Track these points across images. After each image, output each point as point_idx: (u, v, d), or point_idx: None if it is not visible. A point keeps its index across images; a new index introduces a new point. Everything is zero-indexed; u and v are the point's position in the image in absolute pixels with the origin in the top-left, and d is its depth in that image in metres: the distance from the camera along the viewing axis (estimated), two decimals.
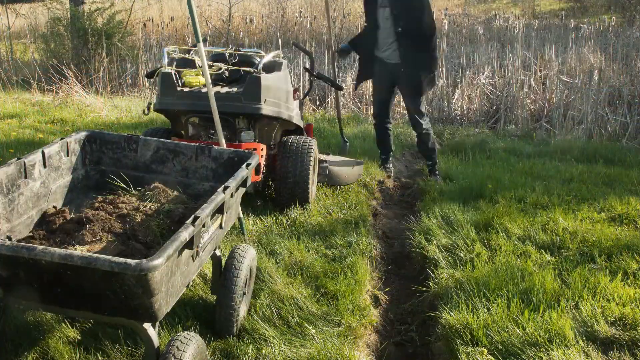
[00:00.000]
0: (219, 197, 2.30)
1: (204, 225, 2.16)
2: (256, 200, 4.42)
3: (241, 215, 3.83)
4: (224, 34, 11.05)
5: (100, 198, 2.69)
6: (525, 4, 17.91)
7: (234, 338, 2.70)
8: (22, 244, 1.86)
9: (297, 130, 4.72)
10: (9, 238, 2.38)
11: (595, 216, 4.32)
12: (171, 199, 2.71)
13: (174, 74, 4.07)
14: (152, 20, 12.63)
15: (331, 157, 5.20)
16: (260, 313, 2.91)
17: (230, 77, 4.36)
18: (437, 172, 5.41)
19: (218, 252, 2.79)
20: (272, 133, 4.42)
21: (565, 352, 2.62)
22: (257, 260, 3.16)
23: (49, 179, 2.71)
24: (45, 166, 2.68)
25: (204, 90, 4.06)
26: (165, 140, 3.07)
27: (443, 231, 4.02)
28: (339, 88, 5.18)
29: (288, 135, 4.52)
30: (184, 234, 1.94)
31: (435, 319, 3.08)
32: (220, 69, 4.27)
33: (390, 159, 5.71)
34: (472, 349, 2.66)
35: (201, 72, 4.24)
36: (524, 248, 3.75)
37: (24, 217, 2.52)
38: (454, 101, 8.56)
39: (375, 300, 3.43)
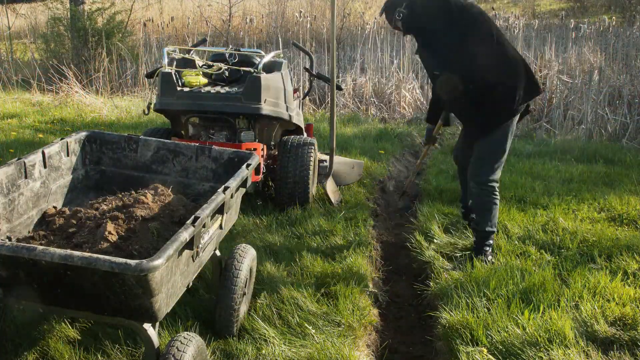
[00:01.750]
0: (219, 198, 2.30)
1: (204, 226, 2.16)
2: (256, 200, 4.42)
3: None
4: (224, 34, 11.04)
5: (100, 199, 2.69)
6: (526, 3, 17.91)
7: (234, 338, 2.70)
8: (22, 244, 1.86)
9: (297, 130, 4.72)
10: (9, 238, 2.38)
11: (595, 216, 4.32)
12: (172, 199, 2.71)
13: (174, 74, 4.08)
14: (152, 20, 12.64)
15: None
16: (260, 313, 2.91)
17: (231, 77, 4.36)
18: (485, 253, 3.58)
19: (218, 253, 2.79)
20: (272, 133, 4.42)
21: (565, 352, 2.62)
22: (257, 260, 3.16)
23: (49, 179, 2.71)
24: (45, 166, 2.68)
25: (204, 90, 4.06)
26: (166, 140, 3.07)
27: (443, 231, 4.02)
28: (339, 88, 5.17)
29: (288, 135, 4.53)
30: (184, 235, 1.94)
31: (435, 319, 3.08)
32: (220, 69, 4.28)
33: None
34: (472, 349, 2.66)
35: (201, 72, 4.25)
36: (524, 248, 3.75)
37: (24, 217, 2.52)
38: None
39: (376, 300, 3.43)
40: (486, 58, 3.31)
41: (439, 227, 4.08)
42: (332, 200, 4.52)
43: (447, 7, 3.28)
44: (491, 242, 3.61)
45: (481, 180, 3.47)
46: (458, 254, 3.70)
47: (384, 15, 3.52)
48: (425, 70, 3.88)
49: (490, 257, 3.56)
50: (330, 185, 4.68)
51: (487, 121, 3.43)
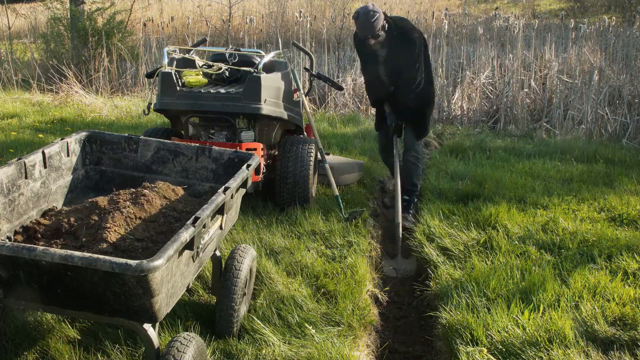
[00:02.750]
0: (219, 198, 2.30)
1: (204, 226, 2.16)
2: (256, 200, 4.42)
3: (337, 193, 4.37)
4: (224, 34, 11.04)
5: (101, 198, 2.69)
6: (526, 3, 17.91)
7: (234, 338, 2.70)
8: (22, 244, 1.86)
9: (297, 130, 4.72)
10: (9, 238, 2.39)
11: (595, 216, 4.32)
12: (175, 198, 2.71)
13: (174, 74, 4.08)
14: (152, 20, 12.64)
15: (331, 157, 5.20)
16: (260, 313, 2.91)
17: (231, 77, 4.36)
18: (411, 211, 4.61)
19: (218, 253, 2.79)
20: (272, 133, 4.42)
21: (565, 352, 2.62)
22: (257, 260, 3.16)
23: (49, 179, 2.71)
24: (45, 166, 2.68)
25: (204, 90, 4.06)
26: (166, 140, 3.07)
27: (443, 231, 4.02)
28: (339, 88, 5.17)
29: (288, 135, 4.52)
30: (185, 235, 1.94)
31: (435, 319, 3.08)
32: (220, 69, 4.28)
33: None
34: (472, 349, 2.66)
35: (201, 72, 4.25)
36: (524, 248, 3.75)
37: (24, 217, 2.52)
38: (454, 101, 8.56)
39: (376, 300, 3.44)
40: (427, 78, 4.45)
41: (439, 226, 4.07)
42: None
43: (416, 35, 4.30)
44: (415, 199, 4.77)
45: (417, 155, 4.68)
46: (458, 254, 3.70)
47: (366, 20, 4.08)
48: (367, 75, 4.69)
49: (411, 216, 4.60)
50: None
51: (422, 117, 4.58)
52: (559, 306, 3.00)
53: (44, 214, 2.63)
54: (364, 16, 4.05)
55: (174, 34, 12.21)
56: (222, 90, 4.07)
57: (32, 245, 1.85)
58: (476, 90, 8.57)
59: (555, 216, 4.23)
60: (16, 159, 2.53)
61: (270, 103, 4.07)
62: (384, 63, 4.39)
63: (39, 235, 2.38)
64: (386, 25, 4.17)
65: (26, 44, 12.70)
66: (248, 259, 2.82)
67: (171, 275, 1.97)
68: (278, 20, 12.76)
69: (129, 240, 2.26)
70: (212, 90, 4.05)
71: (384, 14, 4.15)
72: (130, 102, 8.44)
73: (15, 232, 2.43)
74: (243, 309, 2.86)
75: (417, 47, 4.25)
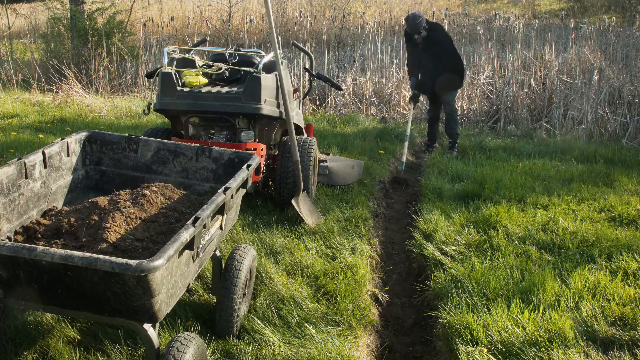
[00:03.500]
0: (219, 198, 2.30)
1: (204, 226, 2.16)
2: (256, 200, 4.42)
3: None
4: (224, 34, 11.04)
5: (102, 197, 2.69)
6: (525, 3, 17.91)
7: (234, 338, 2.70)
8: (22, 244, 1.86)
9: (297, 130, 4.72)
10: (9, 238, 2.39)
11: (595, 216, 4.33)
12: (176, 198, 2.71)
13: (174, 74, 4.07)
14: (152, 20, 12.65)
15: (331, 157, 5.20)
16: (260, 313, 2.91)
17: (231, 77, 4.36)
18: (455, 149, 6.52)
19: (218, 253, 2.79)
20: (272, 133, 4.42)
21: (565, 352, 2.62)
22: (257, 260, 3.16)
23: (49, 179, 2.71)
24: (45, 166, 2.68)
25: (204, 90, 4.06)
26: (166, 140, 3.07)
27: (443, 231, 4.02)
28: (339, 88, 5.17)
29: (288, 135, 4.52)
30: (185, 235, 1.94)
31: (435, 319, 3.08)
32: (220, 69, 4.28)
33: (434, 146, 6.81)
34: (472, 349, 2.66)
35: (201, 72, 4.25)
36: (524, 248, 3.75)
37: (24, 217, 2.52)
38: None
39: (376, 300, 3.43)
40: (457, 60, 6.34)
41: (439, 226, 4.07)
42: (309, 222, 4.03)
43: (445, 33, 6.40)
44: (457, 141, 6.55)
45: (452, 109, 6.41)
46: (458, 254, 3.70)
47: (414, 22, 5.92)
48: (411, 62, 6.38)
49: (456, 152, 6.43)
50: (305, 204, 4.19)
51: (452, 86, 6.34)
52: (559, 306, 3.00)
53: (44, 214, 2.63)
54: (412, 19, 5.92)
55: (174, 34, 12.22)
56: (222, 90, 4.07)
57: (32, 245, 1.85)
58: (476, 90, 8.57)
59: (555, 216, 4.23)
60: (16, 159, 2.53)
61: (270, 103, 4.07)
62: (423, 51, 6.12)
63: (39, 235, 2.38)
64: (426, 26, 5.97)
65: (26, 44, 12.71)
66: (248, 259, 2.82)
67: (171, 275, 1.97)
68: (278, 20, 12.76)
69: (129, 240, 2.26)
70: (212, 90, 4.05)
71: (425, 19, 5.98)
72: (130, 102, 8.44)
73: (16, 232, 2.43)
74: (243, 309, 2.86)
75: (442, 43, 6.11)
